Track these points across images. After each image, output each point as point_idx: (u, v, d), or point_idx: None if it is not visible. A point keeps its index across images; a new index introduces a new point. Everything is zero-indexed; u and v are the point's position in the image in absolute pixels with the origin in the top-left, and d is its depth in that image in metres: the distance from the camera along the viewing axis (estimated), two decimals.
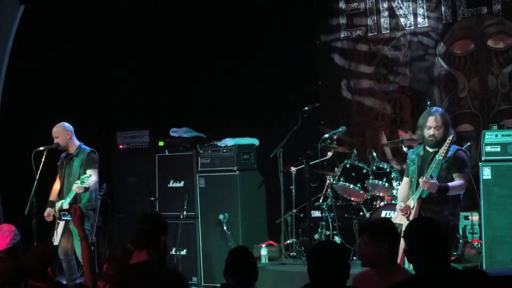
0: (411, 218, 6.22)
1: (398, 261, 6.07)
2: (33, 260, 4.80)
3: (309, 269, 4.04)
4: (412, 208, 6.32)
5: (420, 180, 6.22)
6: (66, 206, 7.41)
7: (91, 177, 7.42)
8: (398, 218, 6.45)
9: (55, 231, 7.54)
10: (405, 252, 3.71)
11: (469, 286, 3.52)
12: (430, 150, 6.41)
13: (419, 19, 8.66)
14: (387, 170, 7.83)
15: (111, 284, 4.65)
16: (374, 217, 7.53)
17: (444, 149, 6.19)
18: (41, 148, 7.59)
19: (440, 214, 6.24)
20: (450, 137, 6.23)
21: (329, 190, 8.27)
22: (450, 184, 6.25)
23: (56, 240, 7.48)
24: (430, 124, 6.38)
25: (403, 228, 6.28)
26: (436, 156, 6.25)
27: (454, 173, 6.33)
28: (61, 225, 7.47)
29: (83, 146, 7.73)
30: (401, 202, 6.52)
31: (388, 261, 4.37)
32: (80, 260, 7.46)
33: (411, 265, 4.16)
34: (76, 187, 7.35)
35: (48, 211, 7.62)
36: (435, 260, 3.56)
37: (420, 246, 3.60)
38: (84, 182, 7.33)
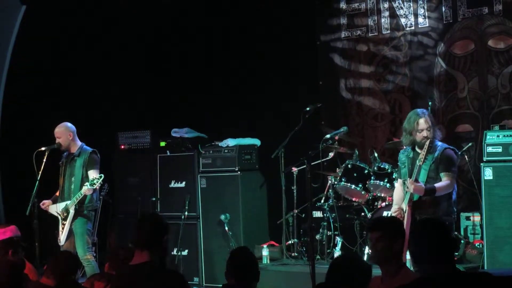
0: (405, 222, 6.23)
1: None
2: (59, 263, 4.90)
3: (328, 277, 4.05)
4: (405, 212, 6.34)
5: (407, 182, 6.26)
6: (72, 207, 7.43)
7: (101, 178, 7.42)
8: None
9: (61, 232, 7.54)
10: (412, 253, 3.71)
11: (476, 287, 3.53)
12: (419, 151, 6.43)
13: (420, 19, 8.67)
14: (389, 170, 7.82)
15: (112, 284, 4.65)
16: (376, 217, 7.54)
17: (423, 154, 6.25)
18: (43, 149, 7.58)
19: (434, 216, 6.23)
20: (428, 142, 6.28)
21: (330, 190, 8.27)
22: (436, 185, 6.27)
23: (62, 241, 7.49)
24: (422, 127, 6.41)
25: None
26: (417, 161, 6.29)
27: (441, 172, 6.35)
28: (67, 226, 7.48)
29: (85, 146, 7.73)
30: (395, 205, 6.55)
31: (398, 259, 4.36)
32: (81, 260, 7.50)
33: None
34: (86, 189, 7.34)
35: (48, 202, 7.63)
36: (442, 260, 3.57)
37: (428, 247, 3.59)
38: (94, 184, 7.33)
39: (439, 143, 6.51)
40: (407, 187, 6.32)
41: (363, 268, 4.08)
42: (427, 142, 6.30)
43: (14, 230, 6.07)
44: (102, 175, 7.43)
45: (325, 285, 4.05)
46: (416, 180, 6.26)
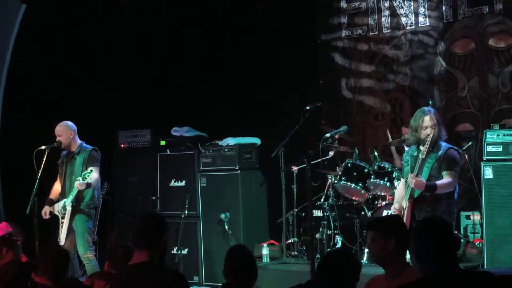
0: (404, 218, 6.23)
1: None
2: (49, 260, 4.87)
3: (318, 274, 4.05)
4: (404, 209, 6.34)
5: (409, 177, 6.27)
6: (69, 204, 7.42)
7: (93, 173, 7.40)
8: None
9: (61, 231, 7.53)
10: (414, 252, 3.70)
11: (479, 286, 3.52)
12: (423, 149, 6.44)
13: (420, 18, 8.67)
14: (389, 169, 7.83)
15: (112, 283, 4.65)
16: (376, 216, 7.54)
17: (425, 148, 6.25)
18: (43, 147, 7.57)
19: (433, 213, 6.24)
20: (430, 135, 6.29)
21: (330, 189, 8.27)
22: (438, 182, 6.27)
23: (62, 240, 7.48)
24: (427, 124, 6.40)
25: None
26: (420, 155, 6.30)
27: (444, 171, 6.35)
28: (65, 224, 7.48)
29: (85, 144, 7.72)
30: (396, 204, 6.55)
31: (396, 258, 4.34)
32: (81, 258, 7.51)
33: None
34: (78, 184, 7.32)
35: (45, 209, 7.62)
36: (445, 259, 3.56)
37: (430, 246, 3.58)
38: (86, 178, 7.31)
39: (443, 143, 6.50)
40: (409, 181, 6.32)
41: (347, 264, 4.08)
42: (430, 136, 6.29)
43: (5, 227, 6.03)
44: (92, 168, 7.42)
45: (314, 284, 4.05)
46: (418, 176, 6.25)
